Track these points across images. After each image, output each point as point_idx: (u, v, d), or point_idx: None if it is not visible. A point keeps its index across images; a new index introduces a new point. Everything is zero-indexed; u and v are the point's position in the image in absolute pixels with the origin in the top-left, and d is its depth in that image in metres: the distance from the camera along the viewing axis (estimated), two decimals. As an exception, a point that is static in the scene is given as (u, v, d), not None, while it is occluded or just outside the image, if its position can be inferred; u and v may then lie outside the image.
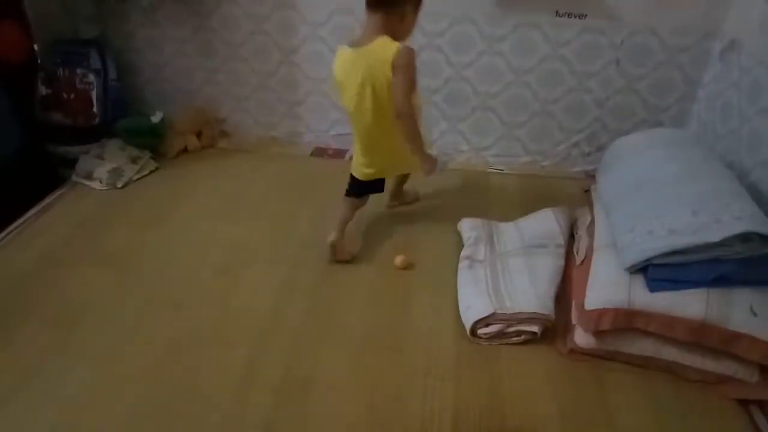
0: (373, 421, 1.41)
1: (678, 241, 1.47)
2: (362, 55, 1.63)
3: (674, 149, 1.85)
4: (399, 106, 1.63)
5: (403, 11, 1.62)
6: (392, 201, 2.25)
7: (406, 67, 1.60)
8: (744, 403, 1.48)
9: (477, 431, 1.40)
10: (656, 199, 1.64)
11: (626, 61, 2.34)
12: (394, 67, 1.58)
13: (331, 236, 1.89)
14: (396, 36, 1.61)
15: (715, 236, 1.43)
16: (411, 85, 1.64)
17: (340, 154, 2.74)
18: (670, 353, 1.51)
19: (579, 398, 1.49)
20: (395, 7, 1.61)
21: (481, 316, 1.62)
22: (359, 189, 1.95)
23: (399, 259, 1.94)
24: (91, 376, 1.51)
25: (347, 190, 1.98)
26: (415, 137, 1.73)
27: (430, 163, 1.81)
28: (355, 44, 1.66)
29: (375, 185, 1.95)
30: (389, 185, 2.11)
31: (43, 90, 2.47)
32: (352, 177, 1.95)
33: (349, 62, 1.67)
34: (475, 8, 2.32)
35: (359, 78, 1.64)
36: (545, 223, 1.97)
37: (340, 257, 1.94)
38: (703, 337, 1.44)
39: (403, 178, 2.19)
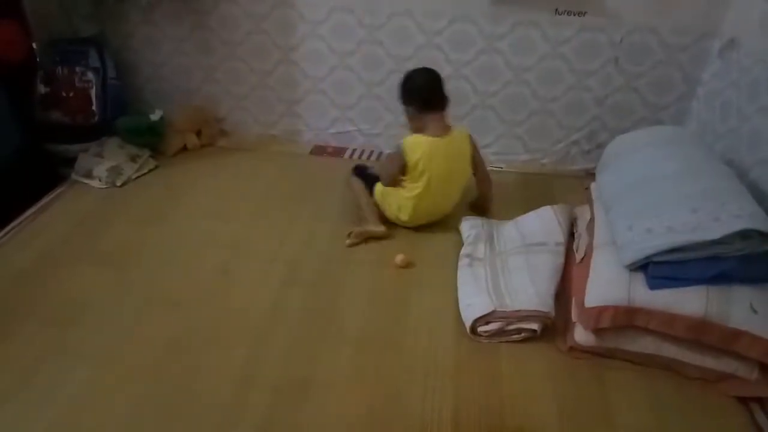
0: (373, 421, 1.41)
1: (677, 238, 1.47)
2: (451, 142, 2.02)
3: (673, 147, 1.85)
4: (487, 172, 2.22)
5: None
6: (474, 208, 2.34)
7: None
8: (744, 400, 1.48)
9: (477, 429, 1.40)
10: (655, 197, 1.64)
11: (625, 60, 2.34)
12: (474, 146, 2.10)
13: (380, 228, 2.08)
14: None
15: (714, 234, 1.43)
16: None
17: (339, 151, 2.74)
18: (670, 351, 1.51)
19: (579, 396, 1.49)
20: (446, 107, 2.06)
21: (481, 314, 1.62)
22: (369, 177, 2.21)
23: (399, 258, 1.94)
24: (90, 376, 1.51)
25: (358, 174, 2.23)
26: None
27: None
28: (435, 135, 1.99)
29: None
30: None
31: (42, 89, 2.46)
32: (367, 174, 2.21)
33: (439, 147, 1.99)
34: (474, 6, 2.31)
35: (453, 157, 2.04)
36: (545, 221, 1.96)
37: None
38: (703, 334, 1.44)
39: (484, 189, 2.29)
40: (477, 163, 2.13)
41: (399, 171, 2.03)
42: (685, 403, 1.48)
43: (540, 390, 1.51)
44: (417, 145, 1.98)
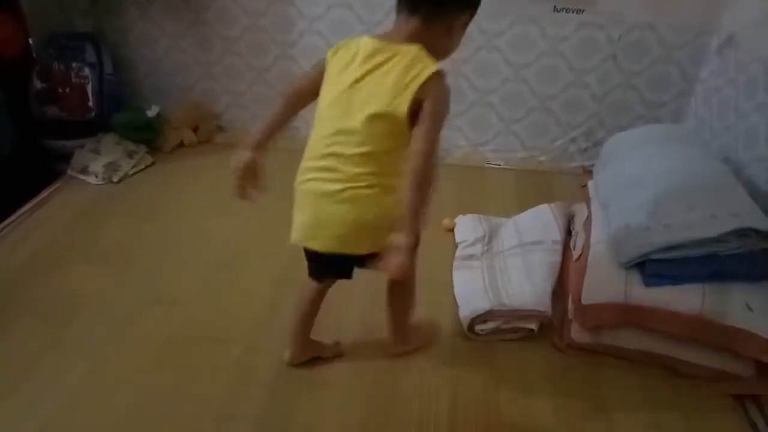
0: (370, 418, 1.41)
1: (674, 236, 1.47)
2: (389, 53, 1.12)
3: (671, 145, 1.85)
4: (428, 142, 1.09)
5: (453, 21, 1.16)
6: (393, 341, 1.57)
7: (446, 100, 1.14)
8: (739, 398, 1.48)
9: (474, 427, 1.40)
10: (653, 195, 1.64)
11: (624, 57, 2.34)
12: (429, 97, 1.09)
13: (285, 355, 1.49)
14: (433, 53, 1.13)
15: (711, 232, 1.43)
16: (443, 124, 1.13)
17: (337, 149, 2.73)
18: (666, 348, 1.52)
19: (575, 393, 1.50)
20: (446, 13, 1.14)
21: (479, 313, 1.62)
22: (321, 266, 1.36)
23: (446, 222, 2.09)
24: (86, 373, 1.51)
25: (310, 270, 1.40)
26: (422, 187, 1.09)
27: (413, 236, 1.06)
28: (377, 38, 1.16)
29: (334, 263, 1.28)
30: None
31: (38, 84, 2.45)
32: (306, 250, 1.33)
33: (365, 58, 1.14)
34: (472, 3, 2.31)
35: (378, 86, 1.11)
36: (542, 218, 1.96)
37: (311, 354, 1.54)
38: (699, 332, 1.44)
39: (395, 304, 1.49)
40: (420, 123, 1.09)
41: (308, 81, 1.28)
42: (680, 400, 1.48)
43: (536, 387, 1.51)
44: (343, 45, 1.22)
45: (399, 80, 1.09)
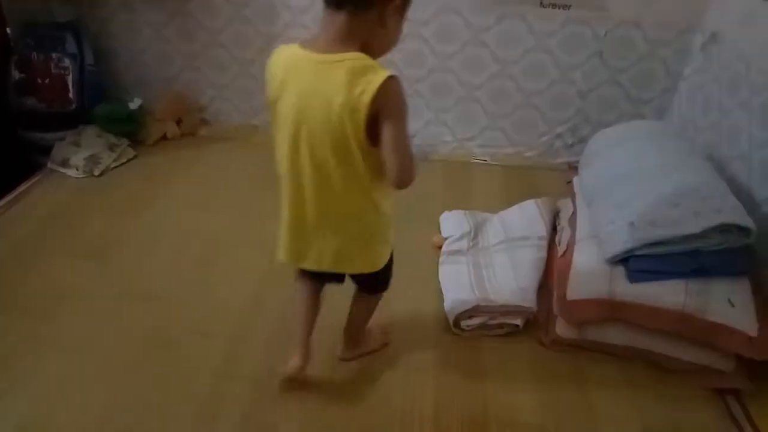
0: (354, 413, 1.41)
1: (658, 232, 1.48)
2: (330, 70, 1.00)
3: (655, 141, 1.86)
4: (404, 167, 1.04)
5: (383, 8, 1.01)
6: (345, 345, 1.54)
7: (402, 109, 1.03)
8: (720, 392, 1.51)
9: (458, 422, 1.40)
10: (637, 191, 1.65)
11: (609, 54, 2.35)
12: (384, 109, 0.99)
13: (293, 362, 1.40)
14: (371, 49, 1.03)
15: (695, 228, 1.44)
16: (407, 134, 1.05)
17: (322, 143, 2.71)
18: (650, 343, 1.53)
19: (560, 388, 1.50)
20: (369, 6, 1.00)
21: (464, 309, 1.62)
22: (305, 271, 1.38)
23: (436, 239, 2.00)
24: (66, 368, 1.48)
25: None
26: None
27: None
28: (311, 48, 1.04)
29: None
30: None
31: (16, 74, 2.39)
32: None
33: (307, 79, 1.03)
34: (460, -3, 2.30)
35: (323, 107, 1.01)
36: (528, 214, 1.97)
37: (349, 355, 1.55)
38: (681, 327, 1.46)
39: (357, 310, 1.48)
40: (381, 138, 1.02)
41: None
42: (664, 395, 1.50)
43: (521, 383, 1.51)
44: (276, 57, 1.12)
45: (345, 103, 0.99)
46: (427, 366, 1.54)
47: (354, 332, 1.51)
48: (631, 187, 1.68)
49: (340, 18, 1.01)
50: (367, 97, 0.97)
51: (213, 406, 1.40)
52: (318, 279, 1.40)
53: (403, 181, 1.06)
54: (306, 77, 1.04)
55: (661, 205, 1.53)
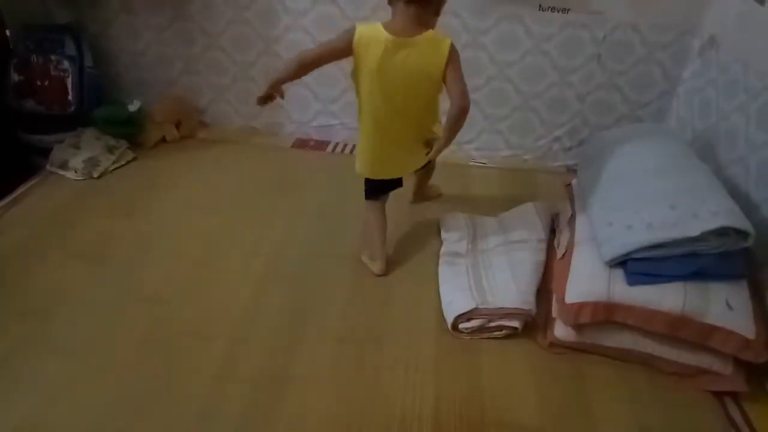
0: (353, 414, 1.41)
1: (657, 235, 1.49)
2: (415, 46, 1.52)
3: (653, 144, 1.87)
4: (467, 97, 1.56)
5: (438, 5, 1.56)
6: (416, 197, 2.24)
7: (459, 59, 1.57)
8: (718, 394, 1.51)
9: (457, 424, 1.40)
10: (635, 194, 1.66)
11: (607, 57, 2.35)
12: (452, 62, 1.54)
13: (377, 265, 1.86)
14: (430, 28, 1.56)
15: (693, 231, 1.45)
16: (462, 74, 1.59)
17: (321, 145, 2.71)
18: (648, 346, 1.53)
19: (558, 390, 1.51)
20: (430, 2, 1.52)
21: (463, 311, 1.63)
22: (376, 189, 1.87)
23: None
24: (64, 370, 1.48)
25: (366, 193, 1.89)
26: (459, 129, 1.65)
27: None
28: (396, 33, 1.52)
29: (394, 181, 1.86)
30: (408, 183, 2.05)
31: (15, 77, 2.39)
32: (367, 179, 1.85)
33: (395, 51, 1.53)
34: (459, 0, 2.30)
35: (413, 71, 1.54)
36: (527, 217, 1.97)
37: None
38: (680, 330, 1.46)
39: (425, 176, 2.14)
40: (449, 85, 1.57)
41: (329, 54, 1.60)
42: (661, 397, 1.50)
43: (520, 385, 1.52)
44: (372, 39, 1.54)
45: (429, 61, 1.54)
46: (427, 368, 1.54)
47: (422, 187, 2.19)
48: (629, 190, 1.68)
49: (410, 9, 1.51)
50: (445, 53, 1.52)
51: (213, 407, 1.40)
52: (384, 191, 1.88)
53: (467, 101, 1.56)
54: (410, 55, 1.54)
55: (659, 208, 1.54)
